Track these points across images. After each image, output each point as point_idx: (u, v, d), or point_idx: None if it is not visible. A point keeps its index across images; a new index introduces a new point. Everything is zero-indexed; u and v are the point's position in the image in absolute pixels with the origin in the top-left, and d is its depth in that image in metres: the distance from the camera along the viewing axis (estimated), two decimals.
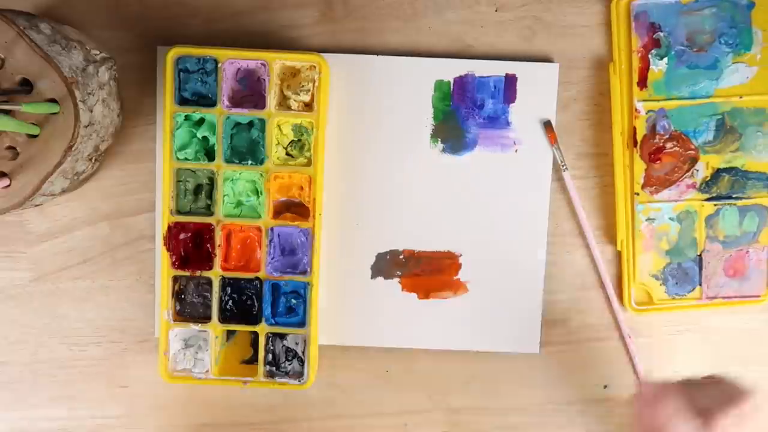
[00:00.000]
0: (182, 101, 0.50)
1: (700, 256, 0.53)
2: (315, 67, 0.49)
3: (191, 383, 0.52)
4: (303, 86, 0.50)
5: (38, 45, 0.42)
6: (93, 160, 0.48)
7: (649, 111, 0.51)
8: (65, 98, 0.42)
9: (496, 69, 0.51)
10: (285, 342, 0.52)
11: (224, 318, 0.51)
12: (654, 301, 0.53)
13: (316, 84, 0.49)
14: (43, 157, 0.43)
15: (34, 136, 0.43)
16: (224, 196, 0.51)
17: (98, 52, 0.47)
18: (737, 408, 0.41)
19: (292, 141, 0.51)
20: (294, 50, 0.51)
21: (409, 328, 0.53)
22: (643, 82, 0.51)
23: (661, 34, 0.51)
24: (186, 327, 0.51)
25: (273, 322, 0.51)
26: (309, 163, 0.50)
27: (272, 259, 0.51)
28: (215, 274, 0.51)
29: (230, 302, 0.51)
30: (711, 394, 0.44)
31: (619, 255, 0.53)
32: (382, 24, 0.51)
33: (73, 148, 0.43)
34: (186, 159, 0.50)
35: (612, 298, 0.53)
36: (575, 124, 0.52)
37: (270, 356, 0.52)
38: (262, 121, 0.50)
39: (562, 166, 0.52)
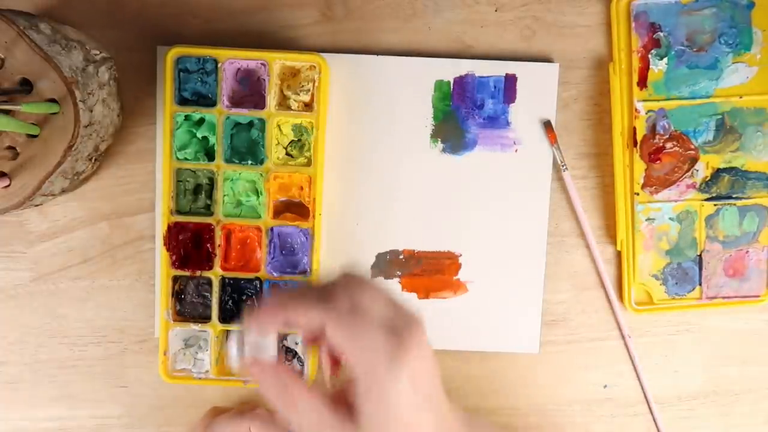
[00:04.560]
0: (182, 101, 0.50)
1: (700, 256, 0.53)
2: (315, 67, 0.49)
3: (191, 383, 0.52)
4: (303, 86, 0.50)
5: (38, 45, 0.42)
6: (93, 160, 0.48)
7: (649, 111, 0.51)
8: (65, 98, 0.42)
9: (496, 69, 0.51)
10: (285, 342, 0.52)
11: (224, 318, 0.51)
12: (654, 301, 0.53)
13: (316, 84, 0.49)
14: (43, 157, 0.43)
15: (34, 136, 0.43)
16: (224, 196, 0.51)
17: (98, 52, 0.47)
18: None
19: (292, 141, 0.51)
20: (294, 50, 0.51)
21: None
22: (643, 82, 0.51)
23: (661, 34, 0.51)
24: (186, 327, 0.51)
25: None
26: (309, 163, 0.50)
27: (272, 259, 0.51)
28: (215, 274, 0.51)
29: (230, 302, 0.51)
30: None
31: (619, 255, 0.53)
32: (381, 24, 0.51)
33: (73, 148, 0.43)
34: (186, 159, 0.50)
35: (612, 298, 0.53)
36: (575, 124, 0.52)
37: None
38: (262, 121, 0.50)
39: (562, 166, 0.52)
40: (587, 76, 0.52)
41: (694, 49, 0.51)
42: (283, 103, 0.50)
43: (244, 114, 0.50)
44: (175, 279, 0.51)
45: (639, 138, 0.52)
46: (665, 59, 0.51)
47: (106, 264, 0.53)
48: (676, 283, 0.53)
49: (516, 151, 0.52)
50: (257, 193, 0.51)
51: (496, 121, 0.52)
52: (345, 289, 0.35)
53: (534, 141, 0.52)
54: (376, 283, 0.37)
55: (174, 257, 0.51)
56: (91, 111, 0.45)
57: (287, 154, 0.51)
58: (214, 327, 0.51)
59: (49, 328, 0.53)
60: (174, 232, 0.51)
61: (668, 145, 0.52)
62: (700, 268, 0.53)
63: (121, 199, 0.52)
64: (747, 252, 0.53)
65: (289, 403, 0.35)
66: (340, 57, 0.51)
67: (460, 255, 0.53)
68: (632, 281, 0.53)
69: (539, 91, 0.52)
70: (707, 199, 0.52)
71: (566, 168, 0.52)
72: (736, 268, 0.53)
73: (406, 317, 0.35)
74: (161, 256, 0.51)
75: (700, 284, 0.53)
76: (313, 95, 0.50)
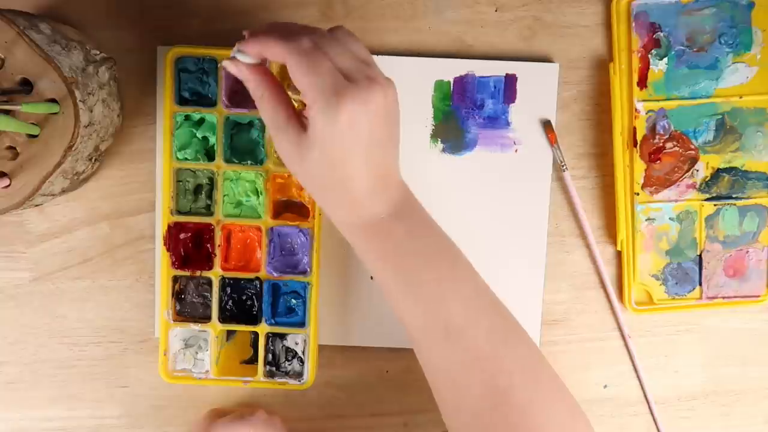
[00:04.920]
0: (182, 101, 0.50)
1: (700, 256, 0.53)
2: None
3: (191, 383, 0.52)
4: None
5: (38, 45, 0.42)
6: (93, 160, 0.48)
7: (649, 111, 0.51)
8: (65, 98, 0.42)
9: (496, 69, 0.51)
10: (285, 342, 0.52)
11: (224, 318, 0.51)
12: (654, 301, 0.53)
13: None
14: (43, 157, 0.43)
15: (34, 136, 0.43)
16: (224, 196, 0.51)
17: (98, 52, 0.47)
18: None
19: None
20: None
21: None
22: (643, 82, 0.51)
23: (661, 34, 0.51)
24: (186, 327, 0.51)
25: (273, 322, 0.51)
26: None
27: (272, 259, 0.51)
28: (215, 274, 0.51)
29: (230, 302, 0.51)
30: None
31: (619, 255, 0.53)
32: (381, 24, 0.51)
33: (73, 148, 0.43)
34: (186, 159, 0.50)
35: (612, 298, 0.53)
36: (575, 124, 0.52)
37: (270, 356, 0.52)
38: (262, 121, 0.49)
39: (562, 166, 0.52)
40: (587, 76, 0.52)
41: (694, 49, 0.51)
42: None
43: (244, 114, 0.50)
44: (175, 279, 0.51)
45: (639, 138, 0.52)
46: (665, 59, 0.51)
47: (106, 264, 0.53)
48: (676, 283, 0.53)
49: (516, 151, 0.52)
50: (257, 193, 0.51)
51: (496, 121, 0.52)
52: (316, 33, 0.39)
53: (534, 141, 0.52)
54: (355, 41, 0.40)
55: (174, 257, 0.51)
56: (91, 111, 0.45)
57: None
58: (214, 327, 0.51)
59: (49, 328, 0.53)
60: (174, 232, 0.51)
61: (668, 145, 0.52)
62: (700, 268, 0.53)
63: (121, 199, 0.52)
64: (747, 252, 0.53)
65: (259, 97, 0.41)
66: None
67: None
68: (632, 281, 0.53)
69: (539, 91, 0.52)
70: (707, 199, 0.52)
71: (566, 168, 0.52)
72: (736, 268, 0.53)
73: (371, 74, 0.39)
74: (161, 256, 0.51)
75: (700, 284, 0.53)
76: None
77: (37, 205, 0.49)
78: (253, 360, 0.52)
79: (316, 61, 0.38)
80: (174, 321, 0.51)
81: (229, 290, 0.51)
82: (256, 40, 0.39)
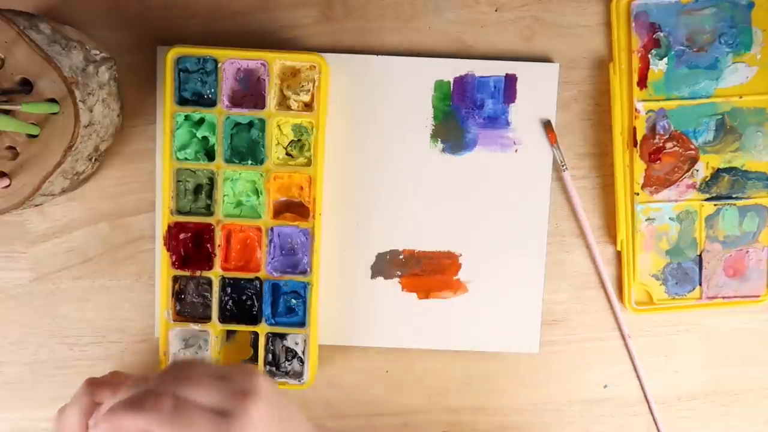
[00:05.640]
0: (182, 101, 0.50)
1: (700, 256, 0.53)
2: (315, 67, 0.49)
3: None
4: (303, 86, 0.50)
5: (38, 45, 0.42)
6: (93, 160, 0.48)
7: (649, 111, 0.51)
8: (65, 98, 0.42)
9: (496, 69, 0.51)
10: (285, 342, 0.52)
11: (224, 318, 0.51)
12: (654, 301, 0.53)
13: (316, 84, 0.49)
14: (43, 157, 0.43)
15: (34, 136, 0.43)
16: (224, 196, 0.51)
17: (98, 52, 0.47)
18: None
19: (292, 141, 0.51)
20: (294, 50, 0.51)
21: (409, 328, 0.53)
22: (643, 82, 0.51)
23: (661, 34, 0.51)
24: (186, 327, 0.51)
25: (273, 322, 0.51)
26: (309, 163, 0.50)
27: (272, 259, 0.51)
28: (215, 274, 0.51)
29: (230, 302, 0.51)
30: None
31: (619, 255, 0.53)
32: (381, 24, 0.51)
33: (73, 148, 0.43)
34: (186, 159, 0.50)
35: (612, 298, 0.53)
36: (575, 124, 0.52)
37: (270, 356, 0.52)
38: (262, 121, 0.50)
39: (562, 166, 0.52)
40: (587, 76, 0.52)
41: (694, 49, 0.51)
42: (283, 103, 0.50)
43: (244, 114, 0.50)
44: (175, 279, 0.51)
45: (639, 138, 0.52)
46: (665, 59, 0.51)
47: (106, 264, 0.53)
48: (676, 283, 0.53)
49: (516, 151, 0.52)
50: (257, 193, 0.51)
51: (496, 121, 0.52)
52: (167, 383, 0.36)
53: (534, 141, 0.52)
54: (198, 365, 0.37)
55: (174, 257, 0.51)
56: (91, 111, 0.45)
57: (287, 154, 0.51)
58: (214, 327, 0.51)
59: (49, 328, 0.53)
60: (174, 232, 0.51)
61: (668, 145, 0.52)
62: (700, 268, 0.53)
63: (121, 199, 0.52)
64: (747, 252, 0.53)
65: None
66: (340, 57, 0.51)
67: (460, 255, 0.53)
68: (632, 281, 0.53)
69: (539, 91, 0.52)
70: (707, 199, 0.52)
71: (566, 168, 0.52)
72: (736, 268, 0.53)
73: (233, 391, 0.36)
74: (161, 256, 0.51)
75: (700, 284, 0.53)
76: (313, 95, 0.50)
77: (37, 205, 0.49)
78: (253, 360, 0.52)
79: (186, 418, 0.35)
80: (174, 321, 0.51)
81: (229, 290, 0.51)
82: (112, 422, 0.35)
